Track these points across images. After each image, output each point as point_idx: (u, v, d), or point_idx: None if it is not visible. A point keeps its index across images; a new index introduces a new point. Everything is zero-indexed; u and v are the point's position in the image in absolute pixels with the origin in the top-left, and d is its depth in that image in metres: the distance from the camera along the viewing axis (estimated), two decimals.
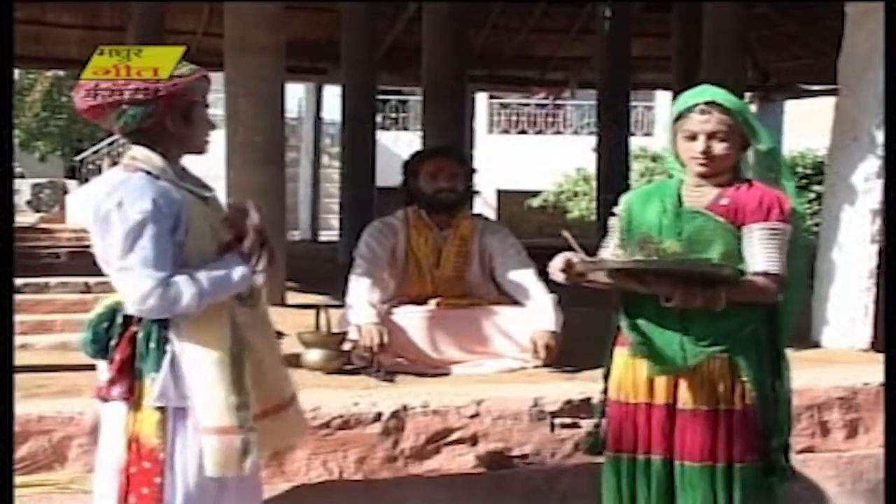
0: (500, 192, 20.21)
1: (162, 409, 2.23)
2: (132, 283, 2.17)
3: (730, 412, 2.49)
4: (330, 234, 14.71)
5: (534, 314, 4.08)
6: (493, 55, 13.73)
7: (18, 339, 3.74)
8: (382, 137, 13.21)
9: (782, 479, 2.56)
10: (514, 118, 22.47)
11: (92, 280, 6.10)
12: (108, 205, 2.19)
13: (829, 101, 5.99)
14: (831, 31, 6.10)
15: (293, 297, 5.81)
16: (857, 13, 4.65)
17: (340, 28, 10.66)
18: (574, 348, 3.94)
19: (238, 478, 2.29)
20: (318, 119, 16.18)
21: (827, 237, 4.76)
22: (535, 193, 19.54)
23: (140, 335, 2.24)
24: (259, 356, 2.34)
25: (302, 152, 16.52)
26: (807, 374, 3.75)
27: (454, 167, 4.29)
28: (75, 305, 5.75)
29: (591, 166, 13.24)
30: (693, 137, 2.54)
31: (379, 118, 12.94)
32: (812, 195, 14.80)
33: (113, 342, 2.26)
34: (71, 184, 20.10)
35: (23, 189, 18.40)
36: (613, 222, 2.70)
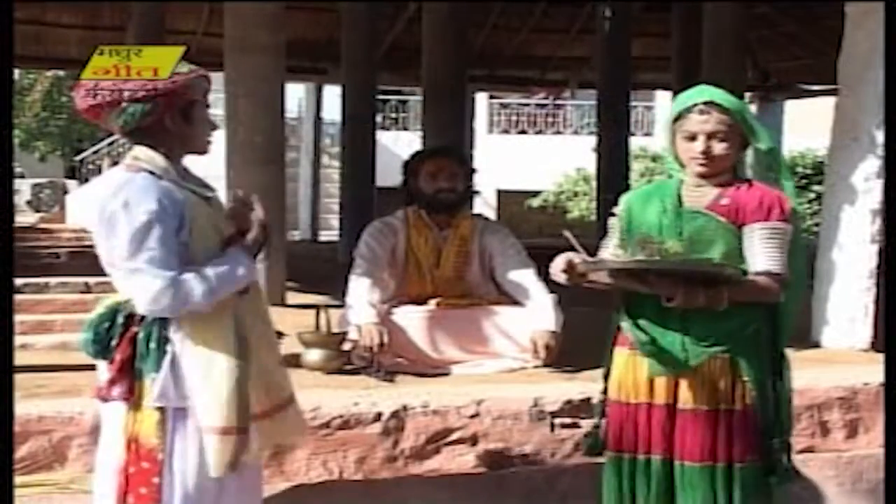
0: (500, 192, 20.21)
1: (161, 410, 2.23)
2: (142, 283, 2.17)
3: (730, 412, 2.49)
4: (330, 234, 14.71)
5: (534, 314, 4.08)
6: (493, 55, 13.73)
7: (18, 339, 3.73)
8: (382, 137, 13.21)
9: (784, 479, 2.56)
10: (514, 118, 22.47)
11: (92, 280, 6.11)
12: (114, 206, 2.19)
13: (829, 101, 6.00)
14: (831, 31, 6.10)
15: (293, 297, 5.81)
16: (857, 13, 4.65)
17: (340, 28, 10.66)
18: (574, 348, 3.94)
19: (238, 478, 2.30)
20: (318, 119, 16.18)
21: (827, 237, 4.76)
22: (535, 193, 19.54)
23: (140, 335, 2.24)
24: (259, 355, 2.34)
25: (302, 152, 16.52)
26: (807, 374, 3.75)
27: (454, 167, 4.29)
28: (75, 305, 5.75)
29: (591, 166, 13.24)
30: (692, 138, 2.53)
31: (379, 118, 12.94)
32: (812, 195, 14.82)
33: (114, 342, 2.26)
34: (71, 184, 20.10)
35: (23, 189, 18.40)
36: (613, 222, 2.70)
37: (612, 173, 10.99)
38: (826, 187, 4.96)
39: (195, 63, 2.33)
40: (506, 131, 22.25)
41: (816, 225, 5.05)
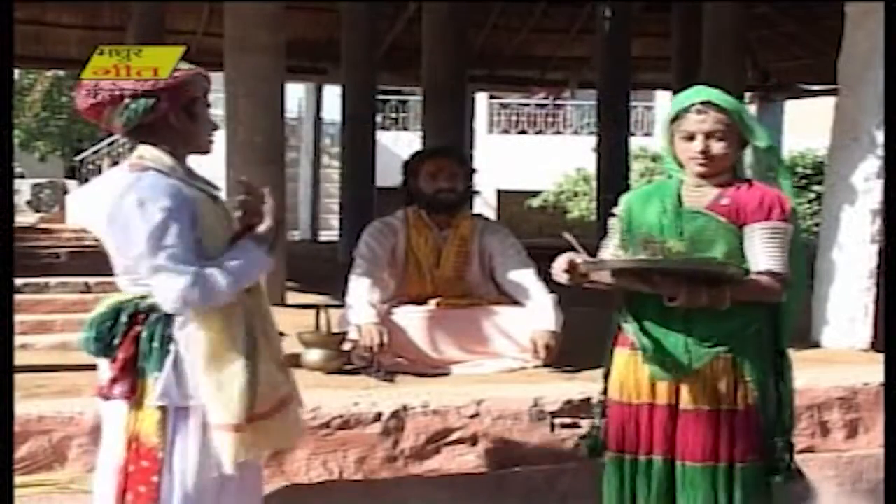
0: (500, 192, 20.22)
1: (163, 409, 2.24)
2: (168, 281, 2.17)
3: (732, 412, 2.49)
4: (330, 234, 14.72)
5: (534, 314, 4.08)
6: (493, 55, 13.73)
7: (18, 339, 3.73)
8: (382, 137, 13.21)
9: (787, 479, 2.56)
10: (514, 118, 22.47)
11: (92, 280, 6.11)
12: (128, 205, 2.19)
13: (829, 101, 6.00)
14: (831, 31, 6.10)
15: (293, 297, 5.81)
16: (857, 13, 4.65)
17: (340, 28, 10.66)
18: (574, 348, 3.94)
19: (238, 478, 2.30)
20: (318, 119, 16.18)
21: (827, 237, 4.76)
22: (535, 193, 19.54)
23: (144, 334, 2.24)
24: (262, 354, 2.34)
25: (302, 152, 16.52)
26: (807, 374, 3.74)
27: (454, 167, 4.29)
28: (75, 305, 5.75)
29: (591, 166, 13.24)
30: (691, 137, 2.54)
31: (379, 118, 12.94)
32: (812, 195, 14.82)
33: (116, 341, 2.26)
34: (71, 184, 20.10)
35: (23, 189, 18.40)
36: (613, 223, 2.70)
37: (612, 173, 10.99)
38: (826, 187, 4.96)
39: (195, 63, 2.34)
40: (506, 131, 22.25)
41: (816, 225, 5.05)
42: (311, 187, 15.73)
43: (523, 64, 14.28)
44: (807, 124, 14.37)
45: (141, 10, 9.86)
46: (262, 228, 2.33)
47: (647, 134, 20.44)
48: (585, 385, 3.53)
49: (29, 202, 18.73)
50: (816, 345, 4.69)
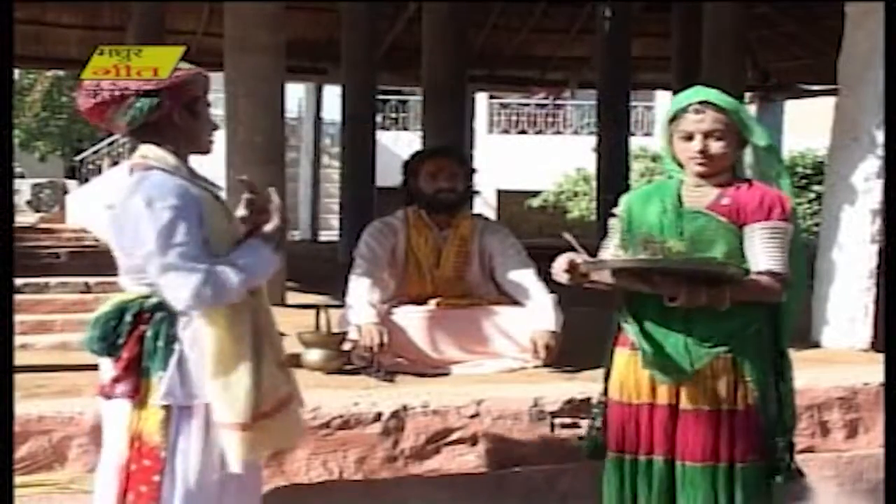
0: (500, 192, 20.22)
1: (167, 408, 2.24)
2: (180, 279, 2.17)
3: (732, 412, 2.49)
4: (330, 234, 14.72)
5: (534, 314, 4.08)
6: (493, 55, 13.74)
7: (18, 339, 3.74)
8: (382, 137, 13.21)
9: (787, 479, 2.56)
10: (514, 118, 22.47)
11: (92, 280, 6.12)
12: (136, 205, 2.19)
13: (829, 101, 6.00)
14: (831, 31, 6.10)
15: (293, 297, 5.80)
16: (857, 13, 4.66)
17: (340, 28, 10.66)
18: (574, 348, 3.94)
19: (239, 478, 2.30)
20: (318, 119, 16.19)
21: (827, 237, 4.76)
22: (535, 193, 19.54)
23: (148, 333, 2.24)
24: (266, 353, 2.35)
25: (302, 152, 16.53)
26: (807, 374, 3.74)
27: (454, 167, 4.29)
28: (75, 305, 5.76)
29: (591, 166, 13.24)
30: (689, 137, 2.54)
31: (379, 118, 12.94)
32: (812, 195, 14.82)
33: (120, 340, 2.26)
34: (71, 184, 20.12)
35: (23, 189, 18.43)
36: (613, 223, 2.70)
37: (612, 173, 10.99)
38: (826, 187, 4.96)
39: (195, 63, 2.34)
40: (506, 131, 22.26)
41: (816, 225, 5.05)
42: (311, 187, 15.73)
43: (523, 64, 14.28)
44: (807, 124, 14.38)
45: (141, 10, 9.87)
46: (269, 227, 2.34)
47: (647, 134, 20.44)
48: (585, 385, 3.53)
49: (29, 202, 18.75)
50: (816, 345, 4.69)
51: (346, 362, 3.99)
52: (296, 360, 3.82)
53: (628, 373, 2.57)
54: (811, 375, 3.81)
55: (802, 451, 3.52)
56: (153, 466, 2.23)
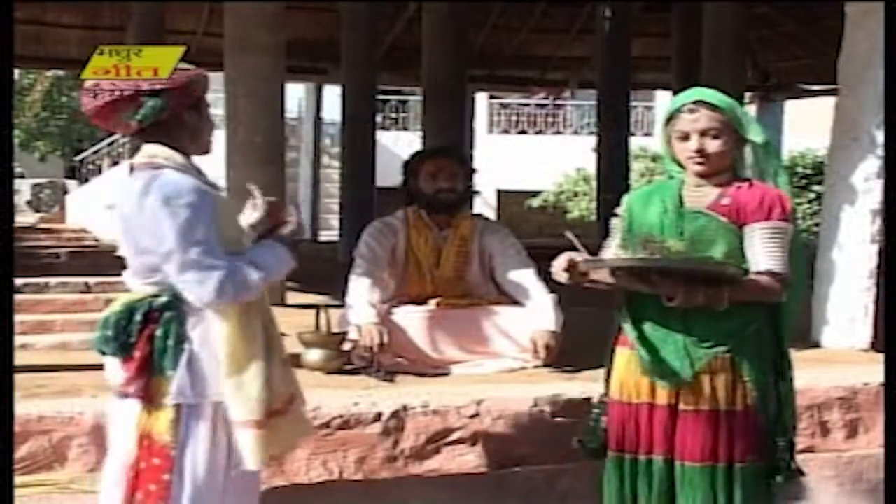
0: (500, 192, 20.22)
1: (177, 407, 2.25)
2: (202, 276, 2.19)
3: (731, 413, 2.49)
4: (330, 234, 14.71)
5: (534, 314, 4.08)
6: (493, 55, 13.74)
7: (18, 339, 3.74)
8: (382, 137, 13.21)
9: (787, 479, 2.56)
10: (514, 118, 22.47)
11: (92, 280, 6.11)
12: (152, 203, 2.19)
13: (829, 101, 6.00)
14: (831, 31, 6.10)
15: (293, 297, 5.81)
16: (857, 13, 4.66)
17: (340, 28, 10.66)
18: (574, 348, 3.94)
19: (241, 477, 2.30)
20: (318, 119, 16.20)
21: (827, 237, 4.76)
22: (535, 193, 19.54)
23: (158, 333, 2.25)
24: (274, 352, 2.37)
25: (302, 152, 16.54)
26: (807, 374, 3.74)
27: (454, 167, 4.29)
28: (75, 305, 5.76)
29: (591, 166, 13.24)
30: (686, 137, 2.55)
31: (379, 118, 12.94)
32: (812, 195, 14.82)
33: (131, 340, 2.26)
34: (71, 184, 20.13)
35: (23, 189, 18.44)
36: (615, 222, 2.71)
37: (612, 173, 10.99)
38: (826, 187, 4.96)
39: (195, 63, 2.34)
40: (506, 131, 22.25)
41: (816, 225, 5.05)
42: (311, 187, 15.74)
43: (523, 64, 14.28)
44: (807, 124, 14.37)
45: (141, 10, 9.87)
46: (285, 230, 2.39)
47: (647, 134, 20.44)
48: (585, 385, 3.53)
49: (29, 202, 18.76)
50: (816, 345, 4.69)
51: (346, 362, 3.99)
52: (296, 360, 3.82)
53: (628, 373, 2.57)
54: (811, 375, 3.81)
55: (802, 451, 3.52)
56: (163, 465, 2.24)
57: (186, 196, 2.19)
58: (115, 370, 2.31)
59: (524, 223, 17.06)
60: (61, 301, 5.87)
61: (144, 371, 2.25)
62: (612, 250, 2.67)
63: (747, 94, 12.21)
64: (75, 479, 3.05)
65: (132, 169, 2.32)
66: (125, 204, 2.26)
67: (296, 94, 17.91)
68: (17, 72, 19.00)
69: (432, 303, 4.19)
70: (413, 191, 4.28)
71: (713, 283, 2.43)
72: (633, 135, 12.16)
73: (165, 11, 10.06)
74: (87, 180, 19.21)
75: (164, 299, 2.26)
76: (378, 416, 3.30)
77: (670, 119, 2.58)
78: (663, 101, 18.69)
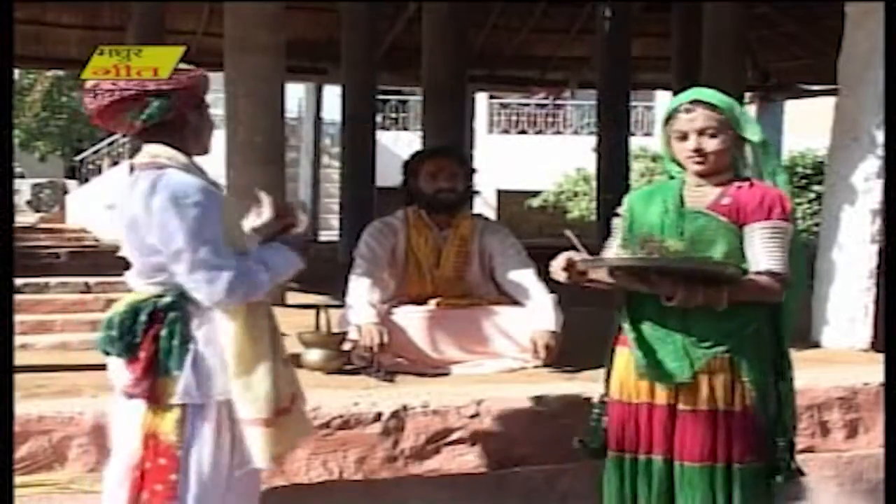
0: (500, 192, 20.22)
1: (182, 407, 2.25)
2: (212, 275, 2.19)
3: (729, 413, 2.49)
4: (330, 234, 14.71)
5: (534, 314, 4.08)
6: (493, 55, 13.73)
7: (18, 339, 3.74)
8: (382, 137, 13.22)
9: (788, 479, 2.56)
10: (514, 118, 22.47)
11: (92, 280, 6.11)
12: (160, 203, 2.19)
13: (829, 101, 6.00)
14: (831, 31, 6.10)
15: (293, 297, 5.81)
16: (857, 13, 4.65)
17: (340, 28, 10.66)
18: (574, 348, 3.94)
19: (243, 476, 2.31)
20: (318, 119, 16.19)
21: (827, 237, 4.76)
22: (535, 193, 19.54)
23: (164, 333, 2.25)
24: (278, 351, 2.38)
25: (302, 152, 16.53)
26: (807, 374, 3.74)
27: (454, 167, 4.29)
28: (75, 305, 5.76)
29: (591, 166, 13.24)
30: (684, 137, 2.55)
31: (379, 118, 12.94)
32: (812, 195, 14.81)
33: (137, 340, 2.26)
34: (71, 184, 20.15)
35: (23, 189, 18.45)
36: (617, 222, 2.71)
37: (612, 173, 10.98)
38: (826, 187, 4.96)
39: (195, 63, 2.34)
40: (506, 131, 22.25)
41: (816, 225, 5.05)
42: (311, 187, 15.73)
43: (523, 64, 14.27)
44: (807, 124, 14.37)
45: (141, 10, 9.87)
46: (294, 232, 2.41)
47: (647, 134, 20.44)
48: (585, 385, 3.53)
49: (29, 202, 18.77)
50: (816, 345, 4.69)
51: (346, 362, 3.99)
52: (296, 360, 3.82)
53: (628, 373, 2.57)
54: (811, 375, 3.81)
55: (802, 451, 3.52)
56: (169, 465, 2.24)
57: (194, 195, 2.19)
58: (119, 370, 2.31)
59: (524, 223, 17.05)
60: (61, 301, 5.88)
61: (150, 371, 2.25)
62: (614, 250, 2.68)
63: (747, 94, 12.21)
64: (75, 479, 3.05)
65: (132, 169, 2.32)
66: (131, 204, 2.25)
67: (296, 94, 17.91)
68: (17, 72, 19.00)
69: (432, 303, 4.19)
70: (413, 191, 4.28)
71: (712, 282, 2.43)
72: (633, 135, 12.15)
73: (165, 11, 10.06)
74: (87, 180, 19.21)
75: (168, 299, 2.26)
76: (378, 416, 3.30)
77: (668, 119, 2.59)
78: (663, 101, 18.69)
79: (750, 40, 11.50)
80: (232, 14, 6.08)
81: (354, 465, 3.27)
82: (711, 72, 8.16)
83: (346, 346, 4.03)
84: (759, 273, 2.48)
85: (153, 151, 2.29)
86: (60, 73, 21.66)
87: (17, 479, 2.78)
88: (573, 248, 2.53)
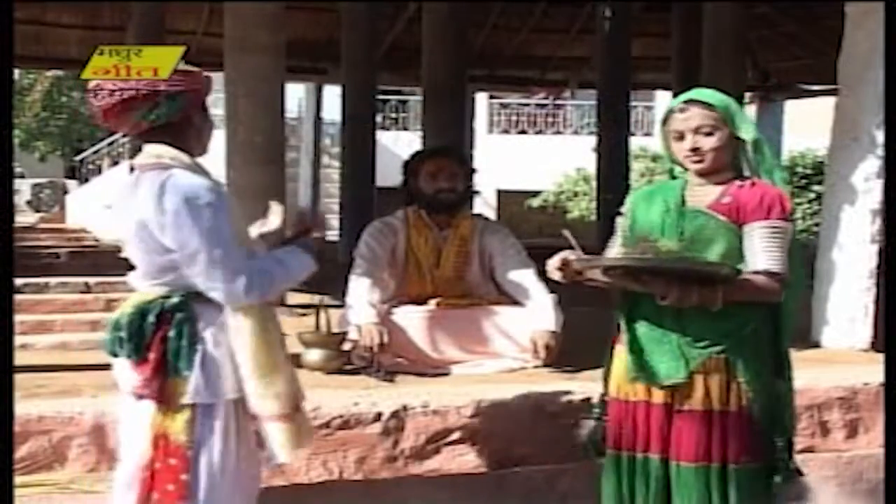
0: (500, 192, 20.22)
1: (192, 407, 2.25)
2: (229, 274, 2.20)
3: (725, 413, 2.49)
4: (330, 234, 14.70)
5: (534, 314, 4.08)
6: (493, 55, 13.73)
7: (18, 339, 3.74)
8: (382, 137, 13.21)
9: (787, 479, 2.56)
10: (514, 118, 22.47)
11: (92, 280, 6.12)
12: (172, 204, 2.19)
13: (829, 101, 5.99)
14: (831, 31, 6.10)
15: (293, 297, 5.81)
16: (857, 13, 4.65)
17: (340, 28, 10.66)
18: (574, 348, 3.94)
19: (247, 475, 2.32)
20: (318, 119, 16.20)
21: (827, 237, 4.76)
22: (535, 193, 19.54)
23: (172, 334, 2.25)
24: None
25: (302, 152, 16.53)
26: (807, 374, 3.74)
27: (454, 167, 4.30)
28: (75, 305, 5.77)
29: (591, 166, 13.23)
30: (681, 136, 2.56)
31: (379, 118, 12.94)
32: (812, 195, 14.81)
33: (146, 341, 2.26)
34: (71, 184, 20.15)
35: (23, 189, 18.46)
36: (619, 221, 2.71)
37: (612, 173, 10.96)
38: (826, 187, 4.96)
39: (195, 63, 2.34)
40: (506, 131, 22.25)
41: (816, 225, 5.05)
42: (311, 187, 15.74)
43: (523, 64, 14.28)
44: (807, 124, 14.37)
45: (141, 10, 9.87)
46: (310, 237, 2.46)
47: (647, 134, 20.42)
48: (585, 385, 3.53)
49: (29, 202, 18.77)
50: (816, 345, 4.69)
51: (346, 362, 3.99)
52: (296, 360, 3.82)
53: (626, 371, 2.57)
54: (811, 375, 3.80)
55: (802, 451, 3.52)
56: (179, 465, 2.25)
57: (205, 196, 2.20)
58: (127, 372, 2.31)
59: (524, 223, 17.05)
60: (61, 301, 5.88)
61: (159, 372, 2.25)
62: (616, 249, 2.68)
63: (747, 94, 12.21)
64: (75, 479, 3.05)
65: (132, 169, 2.32)
66: (139, 205, 2.23)
67: (296, 94, 17.91)
68: (17, 72, 19.01)
69: (432, 303, 4.19)
70: (413, 191, 4.28)
71: (707, 283, 2.43)
72: (633, 135, 12.12)
73: (165, 11, 10.06)
74: (87, 180, 19.21)
75: (175, 300, 2.26)
76: (378, 416, 3.30)
77: (665, 121, 2.61)
78: (663, 101, 18.69)
79: (750, 40, 11.50)
80: (232, 14, 6.09)
81: (354, 465, 3.27)
82: (711, 72, 8.16)
83: (346, 346, 4.03)
84: (757, 273, 2.48)
85: (156, 152, 2.28)
86: (60, 73, 21.67)
87: (17, 479, 2.78)
88: (572, 247, 2.53)
